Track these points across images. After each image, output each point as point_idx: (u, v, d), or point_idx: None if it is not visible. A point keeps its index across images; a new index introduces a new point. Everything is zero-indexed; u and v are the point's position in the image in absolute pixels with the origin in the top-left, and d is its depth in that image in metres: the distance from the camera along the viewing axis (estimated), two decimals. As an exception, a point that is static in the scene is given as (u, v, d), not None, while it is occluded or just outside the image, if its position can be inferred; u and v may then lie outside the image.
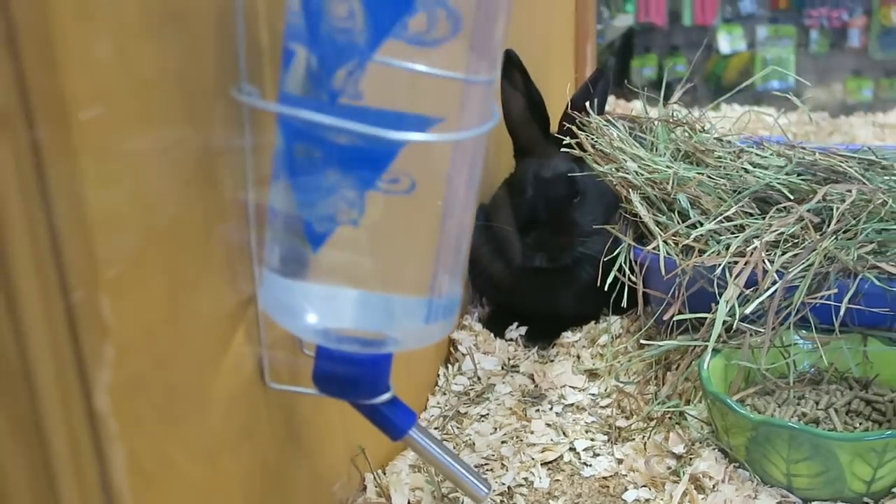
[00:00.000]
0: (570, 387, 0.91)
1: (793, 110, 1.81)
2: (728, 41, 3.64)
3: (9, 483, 0.33)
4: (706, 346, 0.79)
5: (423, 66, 0.46)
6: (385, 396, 0.54)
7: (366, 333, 0.51)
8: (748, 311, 0.76)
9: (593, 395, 0.90)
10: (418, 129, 0.46)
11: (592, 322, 1.00)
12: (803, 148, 0.94)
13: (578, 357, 0.95)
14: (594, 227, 0.94)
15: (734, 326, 0.78)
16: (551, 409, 0.88)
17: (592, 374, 0.93)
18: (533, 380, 0.93)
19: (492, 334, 0.99)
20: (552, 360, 0.96)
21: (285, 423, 0.57)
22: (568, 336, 0.98)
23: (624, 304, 0.87)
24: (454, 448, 0.82)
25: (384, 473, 0.74)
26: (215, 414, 0.49)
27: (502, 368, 0.95)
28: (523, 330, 1.00)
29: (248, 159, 0.48)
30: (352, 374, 0.52)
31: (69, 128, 0.34)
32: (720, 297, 0.78)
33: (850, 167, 0.90)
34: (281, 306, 0.50)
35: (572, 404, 0.89)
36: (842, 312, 0.76)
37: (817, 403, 0.78)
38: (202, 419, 0.47)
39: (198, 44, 0.44)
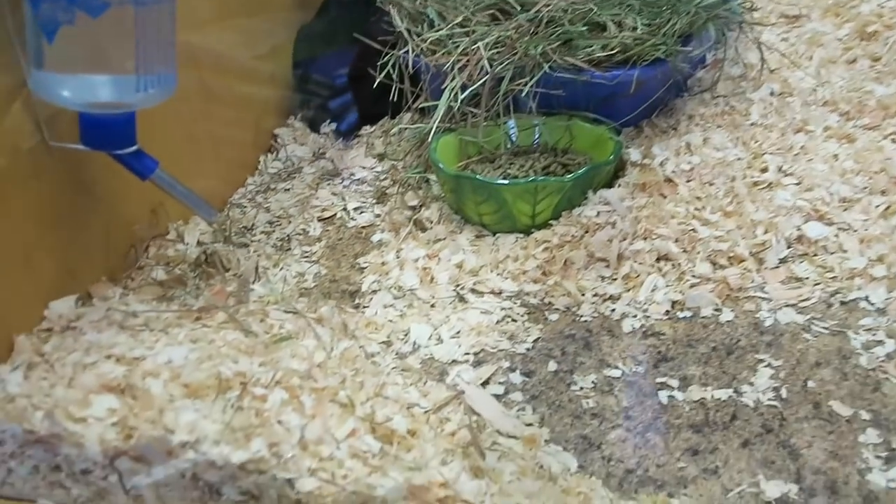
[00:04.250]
0: (361, 167, 1.15)
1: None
2: None
3: None
4: (447, 126, 1.03)
5: None
6: (132, 148, 0.78)
7: (106, 104, 0.74)
8: (462, 96, 0.99)
9: (378, 172, 1.14)
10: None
11: (387, 117, 1.23)
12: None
13: (372, 144, 1.19)
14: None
15: (462, 110, 1.02)
16: (341, 183, 1.13)
17: (382, 157, 1.17)
18: (333, 163, 1.17)
19: (308, 129, 1.23)
20: (353, 148, 1.20)
21: (74, 174, 0.82)
22: (367, 129, 1.22)
23: (393, 98, 1.09)
24: (255, 212, 1.07)
25: (185, 223, 0.99)
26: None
27: (313, 155, 1.20)
28: (334, 126, 1.24)
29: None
30: (100, 132, 0.76)
31: None
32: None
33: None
34: (43, 88, 0.74)
35: (358, 179, 1.13)
36: (530, 98, 0.98)
37: (524, 167, 1.02)
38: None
39: None
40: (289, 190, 1.12)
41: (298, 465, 0.63)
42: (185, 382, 0.69)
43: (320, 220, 1.05)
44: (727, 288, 0.86)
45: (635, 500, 0.67)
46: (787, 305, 0.84)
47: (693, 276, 0.87)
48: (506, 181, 0.93)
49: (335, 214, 1.06)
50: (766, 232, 0.90)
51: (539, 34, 1.02)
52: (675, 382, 0.77)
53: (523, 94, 0.98)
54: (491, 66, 1.00)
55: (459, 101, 1.00)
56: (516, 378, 0.79)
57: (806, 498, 0.66)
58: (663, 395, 0.76)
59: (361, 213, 1.06)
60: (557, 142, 1.05)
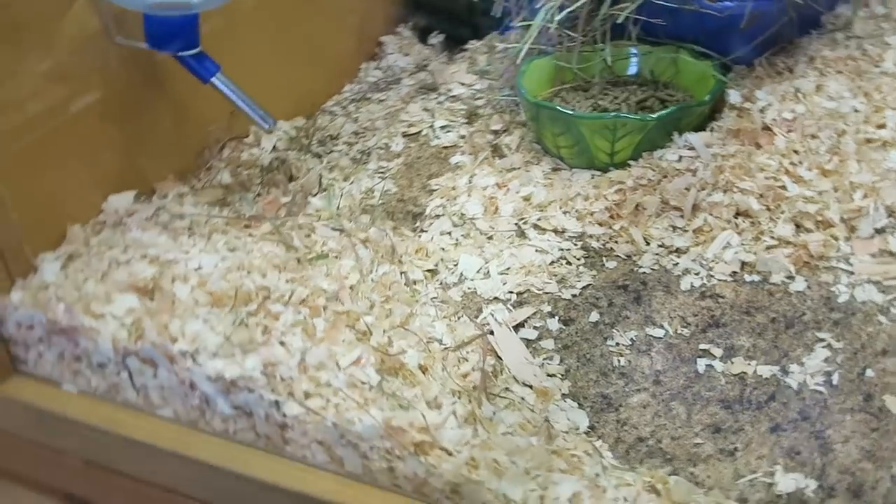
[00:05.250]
0: (460, 83, 1.12)
1: None
2: None
3: None
4: (542, 49, 0.98)
5: None
6: (194, 51, 0.78)
7: (166, 3, 0.74)
8: (558, 17, 0.93)
9: (475, 90, 1.10)
10: None
11: (495, 32, 1.18)
12: None
13: (475, 60, 1.15)
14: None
15: (558, 33, 0.96)
16: (436, 98, 1.10)
17: (483, 74, 1.13)
18: (433, 76, 1.14)
19: (417, 38, 1.20)
20: (455, 62, 1.16)
21: (143, 71, 0.83)
22: (473, 43, 1.18)
23: (496, 14, 1.04)
24: (343, 121, 1.06)
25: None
26: (62, 49, 0.75)
27: (415, 67, 1.17)
28: (442, 38, 1.21)
29: None
30: (164, 32, 0.77)
31: None
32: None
33: None
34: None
35: (454, 96, 1.10)
36: (631, 25, 0.91)
37: (617, 99, 0.96)
38: (50, 52, 0.74)
39: None
40: (382, 101, 1.10)
41: (292, 388, 0.63)
42: (210, 290, 0.70)
43: (405, 135, 1.03)
44: (806, 254, 0.78)
45: (633, 471, 0.63)
46: (869, 282, 0.76)
47: (772, 237, 0.80)
48: (583, 114, 0.88)
49: (421, 131, 1.04)
50: (864, 197, 0.81)
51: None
52: (718, 351, 0.72)
53: (618, 19, 0.91)
54: (592, -15, 0.93)
55: (555, 22, 0.94)
56: (553, 324, 0.76)
57: (823, 497, 0.60)
58: (702, 364, 0.71)
59: (447, 132, 1.03)
60: (660, 74, 0.98)
